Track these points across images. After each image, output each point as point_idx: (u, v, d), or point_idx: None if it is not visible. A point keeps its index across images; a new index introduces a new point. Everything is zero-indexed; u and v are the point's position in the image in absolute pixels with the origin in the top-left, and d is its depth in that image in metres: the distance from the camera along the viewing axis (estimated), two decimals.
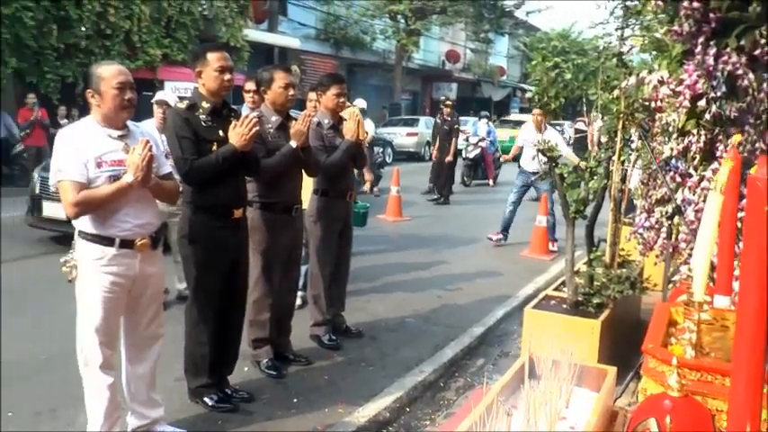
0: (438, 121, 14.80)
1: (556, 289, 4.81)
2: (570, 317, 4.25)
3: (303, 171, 4.44)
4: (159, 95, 5.84)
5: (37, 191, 8.02)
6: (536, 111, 9.13)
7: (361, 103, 10.39)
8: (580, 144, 14.19)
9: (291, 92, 4.27)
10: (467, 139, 16.33)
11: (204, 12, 17.45)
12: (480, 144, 16.11)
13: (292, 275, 4.59)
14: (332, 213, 4.93)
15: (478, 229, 9.82)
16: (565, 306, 4.43)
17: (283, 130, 4.26)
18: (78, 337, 3.20)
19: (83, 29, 14.18)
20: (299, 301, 5.07)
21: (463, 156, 15.98)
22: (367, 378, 4.50)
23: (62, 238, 7.87)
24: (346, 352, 4.92)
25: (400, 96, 30.10)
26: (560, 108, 4.59)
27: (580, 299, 4.41)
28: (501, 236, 9.18)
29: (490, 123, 17.63)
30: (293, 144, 4.16)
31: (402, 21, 28.00)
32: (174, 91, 10.99)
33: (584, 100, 4.84)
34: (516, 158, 9.83)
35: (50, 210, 7.76)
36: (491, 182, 16.68)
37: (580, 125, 14.66)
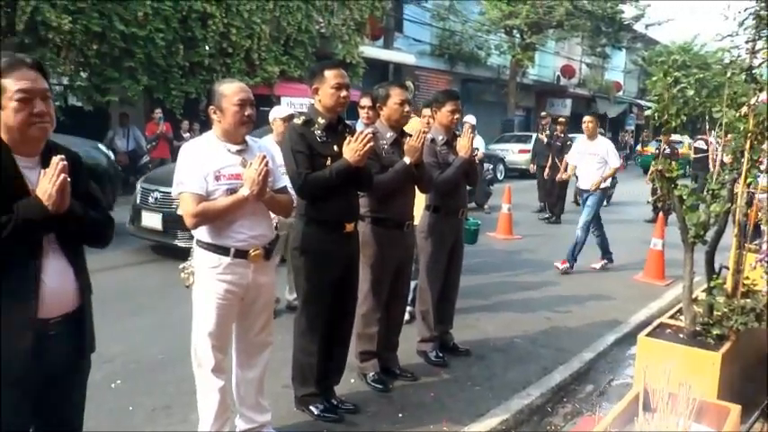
0: (541, 137, 14.48)
1: (671, 317, 4.57)
2: (688, 347, 4.01)
3: (416, 187, 4.45)
4: (275, 111, 6.00)
5: (138, 201, 8.29)
6: (587, 118, 8.96)
7: (470, 119, 10.33)
8: (700, 164, 13.57)
9: (407, 108, 4.29)
10: None
11: (321, 29, 17.93)
12: None
13: (402, 290, 4.59)
14: (443, 230, 4.92)
15: (590, 250, 9.49)
16: (681, 336, 4.19)
17: (398, 146, 4.29)
18: (193, 340, 3.35)
19: (206, 48, 14.96)
20: (406, 316, 5.07)
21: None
22: (473, 397, 4.44)
23: (158, 247, 8.23)
24: (453, 370, 4.88)
25: (513, 112, 29.79)
26: (681, 126, 4.37)
27: (698, 329, 4.16)
28: (604, 261, 8.86)
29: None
30: (407, 160, 4.16)
31: (518, 35, 27.74)
32: (289, 106, 11.36)
33: (706, 117, 4.60)
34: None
35: (148, 220, 8.04)
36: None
37: (700, 144, 13.99)
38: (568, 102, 35.39)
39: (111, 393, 4.23)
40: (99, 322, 2.55)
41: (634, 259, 8.84)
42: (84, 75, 13.35)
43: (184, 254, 3.50)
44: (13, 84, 2.18)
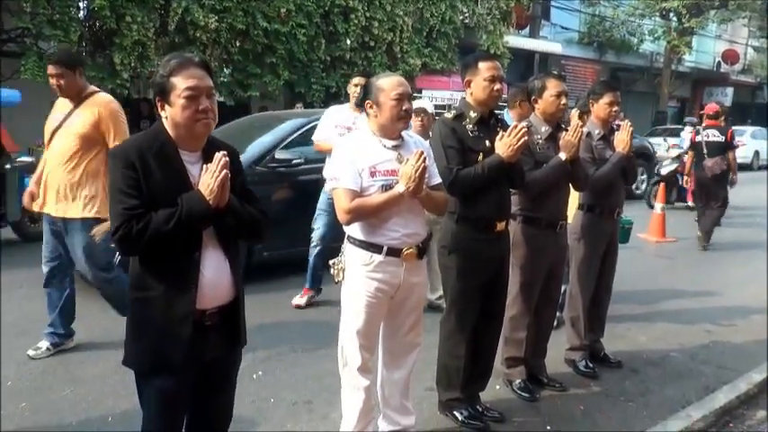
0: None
1: None
2: None
3: (570, 185, 4.21)
4: (418, 103, 5.88)
5: None
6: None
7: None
8: None
9: (563, 101, 4.04)
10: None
11: (465, 20, 17.70)
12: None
13: (552, 295, 4.35)
14: (597, 231, 4.62)
15: (754, 255, 8.72)
16: None
17: (553, 141, 4.06)
18: (340, 337, 3.31)
19: (348, 42, 15.14)
20: (554, 322, 4.83)
21: (656, 171, 13.62)
22: (626, 414, 4.13)
23: None
24: (603, 382, 4.57)
25: (666, 104, 28.14)
26: None
27: None
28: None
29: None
30: (562, 156, 3.94)
31: (674, 19, 26.13)
32: (431, 100, 11.19)
33: None
34: None
35: None
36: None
37: None
38: (729, 91, 32.57)
39: (254, 384, 4.27)
40: None
41: None
42: (227, 71, 13.96)
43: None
44: (182, 82, 2.25)
